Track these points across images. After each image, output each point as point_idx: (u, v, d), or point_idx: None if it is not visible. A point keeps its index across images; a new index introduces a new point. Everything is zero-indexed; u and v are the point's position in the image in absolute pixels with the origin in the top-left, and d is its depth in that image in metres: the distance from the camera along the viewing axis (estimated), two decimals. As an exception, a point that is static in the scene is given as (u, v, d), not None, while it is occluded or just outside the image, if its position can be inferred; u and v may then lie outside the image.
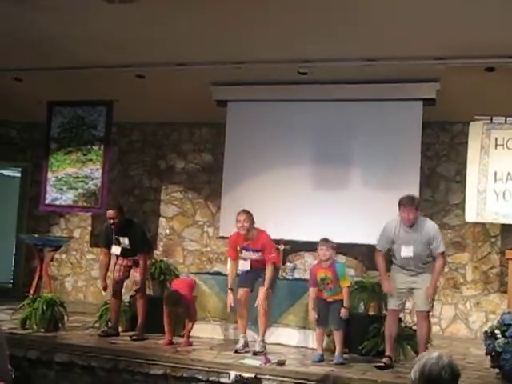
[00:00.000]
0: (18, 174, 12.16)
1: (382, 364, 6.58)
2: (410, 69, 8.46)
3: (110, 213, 7.78)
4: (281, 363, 6.52)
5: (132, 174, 11.35)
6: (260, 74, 9.09)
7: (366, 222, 8.42)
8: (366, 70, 8.44)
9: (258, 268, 7.21)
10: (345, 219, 9.14)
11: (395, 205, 6.95)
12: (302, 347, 7.59)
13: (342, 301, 6.86)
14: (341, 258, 9.06)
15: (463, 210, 8.76)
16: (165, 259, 9.28)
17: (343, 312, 6.80)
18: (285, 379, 6.27)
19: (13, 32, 8.31)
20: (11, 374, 3.25)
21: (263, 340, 7.17)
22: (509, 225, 8.84)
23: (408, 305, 6.97)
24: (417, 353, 6.84)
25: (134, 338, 7.56)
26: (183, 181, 11.02)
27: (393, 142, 9.10)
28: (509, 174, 8.39)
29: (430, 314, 7.03)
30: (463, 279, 9.53)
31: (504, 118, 8.39)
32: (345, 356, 6.93)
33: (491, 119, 8.43)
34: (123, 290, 8.07)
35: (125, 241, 7.75)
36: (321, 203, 9.27)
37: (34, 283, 9.70)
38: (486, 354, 6.48)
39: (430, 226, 6.84)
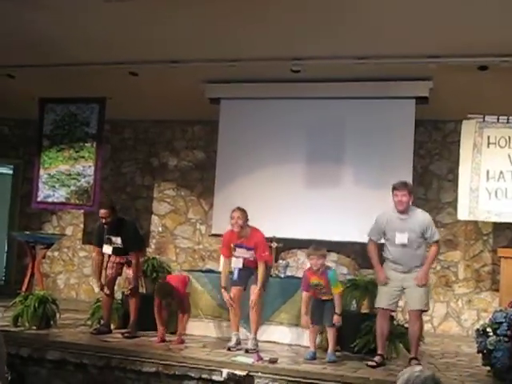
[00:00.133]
0: (10, 171, 12.12)
1: (374, 363, 6.59)
2: (403, 67, 8.47)
3: (103, 212, 7.77)
4: (273, 361, 6.52)
5: (124, 171, 11.33)
6: (253, 71, 9.09)
7: (359, 220, 8.42)
8: (358, 68, 8.44)
9: (250, 266, 7.20)
10: (337, 217, 9.16)
11: (387, 203, 6.98)
12: (294, 345, 7.59)
13: None
14: (333, 256, 9.10)
15: (455, 208, 8.78)
16: (157, 257, 9.28)
17: (336, 319, 6.80)
18: (277, 377, 6.27)
19: (5, 29, 8.29)
20: (7, 376, 3.24)
21: (255, 338, 7.17)
22: (501, 223, 8.87)
23: (400, 303, 6.97)
24: (409, 350, 6.87)
25: (127, 335, 7.55)
26: (176, 178, 11.02)
27: (385, 140, 9.12)
28: (501, 172, 8.41)
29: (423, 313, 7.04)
30: (455, 277, 9.56)
31: (496, 117, 8.41)
32: (337, 354, 6.93)
33: (484, 118, 8.45)
34: (115, 288, 8.05)
35: (117, 240, 7.73)
36: (313, 201, 9.27)
37: (26, 280, 9.67)
38: (478, 351, 6.50)
39: (422, 215, 6.86)
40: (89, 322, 8.16)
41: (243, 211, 7.19)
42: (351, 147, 9.35)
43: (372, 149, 9.16)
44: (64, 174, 10.41)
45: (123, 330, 7.72)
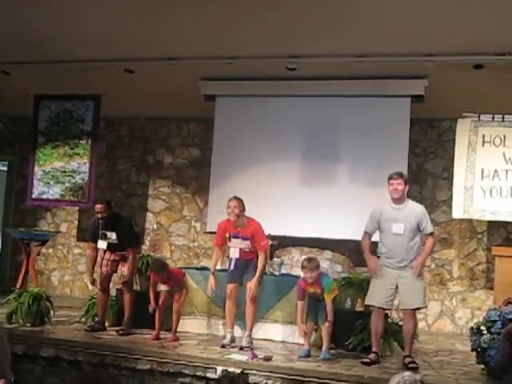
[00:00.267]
0: (5, 168, 12.10)
1: (368, 360, 6.60)
2: (399, 65, 8.48)
3: (98, 207, 7.76)
4: (267, 358, 6.52)
5: (119, 168, 11.32)
6: (249, 69, 9.08)
7: (354, 218, 8.43)
8: (354, 66, 8.44)
9: (246, 261, 7.19)
10: (332, 215, 9.16)
11: (383, 201, 6.98)
12: (288, 343, 7.60)
13: None
14: (328, 254, 9.10)
15: (450, 206, 8.79)
16: (152, 254, 9.27)
17: (327, 327, 6.80)
18: (271, 374, 6.27)
19: (1, 26, 8.27)
20: (11, 378, 3.25)
21: (250, 335, 7.17)
22: (495, 221, 8.89)
23: (395, 301, 6.97)
24: (403, 348, 6.87)
25: (121, 332, 7.55)
26: (171, 176, 11.01)
27: (381, 138, 9.12)
28: (496, 171, 8.43)
29: (418, 311, 7.04)
30: (449, 275, 9.58)
31: (492, 116, 8.43)
32: (331, 351, 6.94)
33: (479, 116, 8.47)
34: (110, 285, 8.04)
35: (112, 235, 7.72)
36: (309, 199, 9.27)
37: (21, 277, 9.67)
38: (472, 350, 6.51)
39: (417, 206, 6.91)
40: (83, 319, 8.16)
41: (240, 200, 7.18)
42: (347, 145, 9.35)
43: (367, 147, 9.16)
44: (59, 171, 10.39)
45: (117, 328, 7.71)
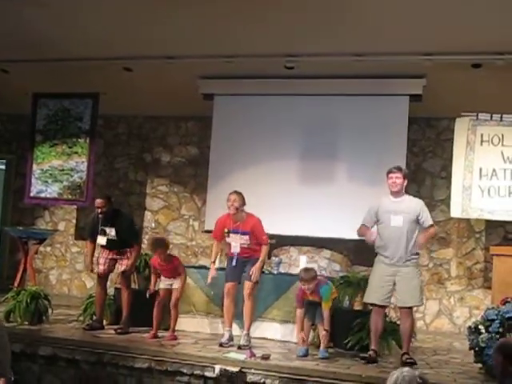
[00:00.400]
0: (3, 166, 12.07)
1: (368, 356, 6.60)
2: (397, 64, 8.48)
3: (99, 202, 7.75)
4: (265, 357, 6.52)
5: (117, 166, 11.31)
6: (247, 68, 9.08)
7: (352, 217, 8.38)
8: (352, 65, 8.45)
9: (244, 259, 7.19)
10: (331, 214, 9.16)
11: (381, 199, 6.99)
12: (286, 341, 7.60)
13: None
14: (326, 253, 9.10)
15: (448, 205, 8.79)
16: (150, 253, 9.25)
17: (324, 335, 6.80)
18: (269, 373, 6.26)
19: (1, 25, 8.26)
20: (11, 377, 3.25)
21: (248, 334, 7.17)
22: (493, 221, 8.89)
23: (393, 299, 6.97)
24: (401, 347, 6.87)
25: (119, 331, 7.54)
26: (169, 174, 11.01)
27: (379, 137, 9.13)
28: (494, 170, 8.44)
29: (414, 309, 7.04)
30: (447, 274, 9.58)
31: (490, 115, 8.43)
32: (329, 350, 6.93)
33: (477, 115, 8.47)
34: (108, 284, 8.04)
35: (111, 231, 7.69)
36: (307, 198, 9.27)
37: (19, 276, 9.66)
38: (470, 349, 6.52)
39: (416, 200, 6.95)
40: (81, 318, 8.14)
41: (240, 194, 7.18)
42: (345, 144, 9.35)
43: (366, 146, 9.17)
44: (57, 170, 10.38)
45: (115, 326, 7.70)
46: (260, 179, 9.55)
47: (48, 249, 11.44)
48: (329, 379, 6.10)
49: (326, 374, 6.17)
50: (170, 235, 10.82)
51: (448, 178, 8.95)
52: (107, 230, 7.69)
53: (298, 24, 7.71)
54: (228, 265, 7.32)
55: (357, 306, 7.56)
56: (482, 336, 6.26)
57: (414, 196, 7.24)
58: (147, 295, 7.46)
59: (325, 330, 6.81)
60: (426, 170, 9.78)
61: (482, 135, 8.47)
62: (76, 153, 10.30)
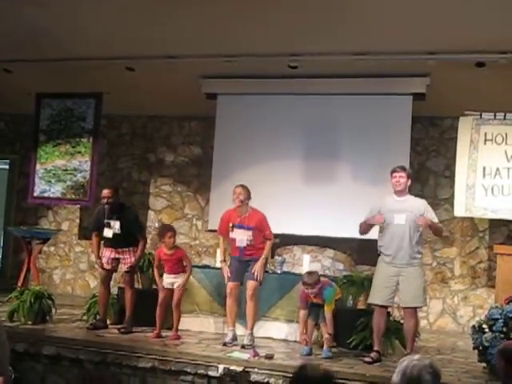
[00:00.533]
0: (6, 166, 12.09)
1: (370, 359, 6.59)
2: (401, 63, 8.46)
3: (106, 192, 7.77)
4: (269, 357, 6.52)
5: (121, 166, 11.32)
6: (250, 67, 9.07)
7: (355, 217, 8.38)
8: (356, 64, 8.44)
9: (247, 259, 7.18)
10: (334, 213, 9.15)
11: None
12: (290, 341, 7.60)
13: None
14: (329, 252, 9.10)
15: (452, 204, 8.79)
16: (153, 252, 9.25)
17: (327, 338, 6.80)
18: (273, 373, 6.27)
19: (2, 24, 8.27)
20: (11, 374, 3.24)
21: (252, 333, 7.18)
22: (497, 220, 8.88)
23: (396, 299, 6.97)
24: (404, 347, 6.87)
25: (123, 330, 7.55)
26: (172, 174, 11.01)
27: (382, 136, 9.11)
28: (497, 169, 8.42)
29: (418, 310, 7.03)
30: (451, 274, 9.58)
31: (493, 114, 8.42)
32: (333, 350, 6.94)
33: (481, 114, 8.46)
34: (111, 283, 8.04)
35: (115, 224, 7.68)
36: (310, 197, 9.26)
37: (22, 276, 9.66)
38: (474, 348, 6.52)
39: (419, 199, 6.97)
40: (85, 318, 8.16)
41: (245, 188, 7.19)
42: (348, 144, 9.34)
43: (369, 145, 9.16)
44: (60, 169, 10.39)
45: (119, 326, 7.71)
46: (263, 179, 9.53)
47: (52, 248, 11.44)
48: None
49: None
50: (174, 235, 10.82)
51: (451, 177, 8.94)
52: (112, 222, 7.68)
53: (299, 24, 7.70)
54: (231, 265, 7.32)
55: (360, 306, 7.56)
56: (485, 335, 6.26)
57: (418, 195, 7.25)
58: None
59: (328, 333, 6.80)
60: (430, 169, 9.77)
61: (485, 134, 8.46)
62: (79, 152, 10.30)
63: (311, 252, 9.00)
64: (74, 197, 10.40)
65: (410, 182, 6.87)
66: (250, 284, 7.11)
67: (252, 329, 7.19)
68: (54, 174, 10.43)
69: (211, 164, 10.03)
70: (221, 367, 6.35)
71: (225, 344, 7.07)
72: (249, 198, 7.18)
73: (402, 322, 7.14)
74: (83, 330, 7.68)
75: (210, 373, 6.41)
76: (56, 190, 10.45)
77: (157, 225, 10.93)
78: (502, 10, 6.96)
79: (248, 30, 8.02)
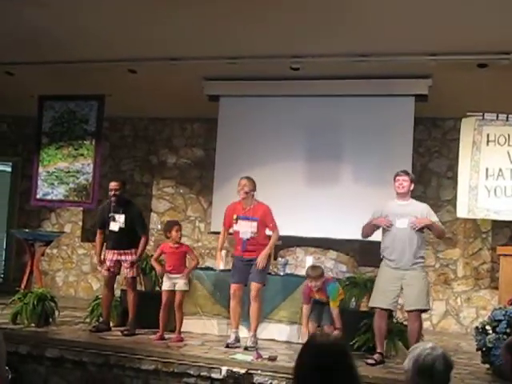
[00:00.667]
0: (9, 169, 12.10)
1: (373, 361, 6.58)
2: (403, 65, 8.46)
3: (114, 184, 7.81)
4: (272, 359, 6.52)
5: (123, 168, 11.32)
6: (253, 69, 9.07)
7: (358, 218, 8.38)
8: (358, 66, 8.43)
9: (249, 258, 7.16)
10: (336, 215, 9.14)
11: (387, 201, 6.98)
12: (293, 343, 7.58)
13: None
14: (332, 254, 9.09)
15: (455, 206, 8.77)
16: (154, 253, 9.25)
17: (336, 334, 6.77)
18: (276, 374, 6.26)
19: (4, 26, 8.28)
20: (8, 375, 3.22)
21: (255, 335, 7.17)
22: (500, 221, 8.87)
23: (400, 301, 6.96)
24: (408, 348, 6.84)
25: (125, 333, 7.55)
26: (175, 176, 11.01)
27: (385, 137, 9.11)
28: (500, 170, 8.41)
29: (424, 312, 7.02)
30: (454, 275, 9.56)
31: (496, 115, 8.41)
32: (336, 351, 6.91)
33: (483, 115, 8.45)
34: (115, 286, 8.04)
35: (120, 218, 7.71)
36: (313, 199, 9.26)
37: (25, 278, 9.66)
38: (477, 349, 6.51)
39: (422, 204, 6.98)
40: (88, 320, 8.16)
41: (251, 179, 7.21)
42: (350, 145, 9.33)
43: (371, 147, 9.15)
44: (63, 172, 10.40)
45: (122, 328, 7.71)
46: (266, 180, 9.48)
47: (54, 251, 11.45)
48: (335, 380, 6.08)
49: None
50: (176, 237, 10.82)
51: (454, 178, 8.93)
52: (116, 216, 7.71)
53: (299, 24, 7.69)
54: (234, 266, 7.32)
55: (363, 307, 7.55)
56: (489, 336, 6.25)
57: (420, 196, 7.25)
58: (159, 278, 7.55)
59: (336, 328, 6.78)
60: (432, 171, 9.76)
61: (488, 135, 8.46)
62: (82, 155, 10.31)
63: (314, 254, 8.99)
64: (76, 199, 10.40)
65: (412, 187, 6.87)
66: (254, 286, 7.11)
67: (255, 331, 7.18)
68: (56, 176, 10.43)
69: (213, 166, 10.03)
70: (224, 369, 6.35)
71: (228, 346, 7.07)
72: (254, 189, 7.19)
73: (405, 323, 7.13)
74: (86, 332, 7.67)
75: (213, 375, 6.41)
76: (59, 193, 10.46)
77: (159, 227, 10.93)
78: (503, 10, 6.96)
79: (248, 30, 8.01)
